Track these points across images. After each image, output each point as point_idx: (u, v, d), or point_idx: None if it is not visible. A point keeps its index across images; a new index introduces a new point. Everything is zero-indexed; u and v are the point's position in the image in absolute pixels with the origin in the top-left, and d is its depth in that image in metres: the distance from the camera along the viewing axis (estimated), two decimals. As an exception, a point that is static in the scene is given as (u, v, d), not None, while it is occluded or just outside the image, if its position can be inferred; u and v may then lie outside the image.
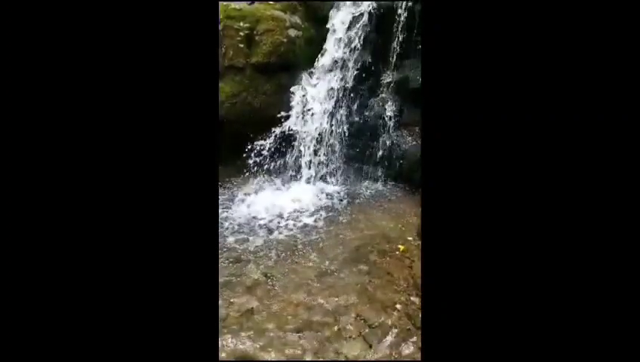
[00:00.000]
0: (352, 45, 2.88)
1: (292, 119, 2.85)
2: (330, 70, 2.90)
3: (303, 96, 2.86)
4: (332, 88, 2.89)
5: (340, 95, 2.92)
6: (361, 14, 2.84)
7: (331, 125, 2.93)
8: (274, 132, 2.83)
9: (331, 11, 2.97)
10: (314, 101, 2.86)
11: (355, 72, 2.92)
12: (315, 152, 2.90)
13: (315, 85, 2.90)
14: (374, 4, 2.82)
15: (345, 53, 2.89)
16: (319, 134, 2.89)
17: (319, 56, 2.94)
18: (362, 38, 2.87)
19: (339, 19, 2.91)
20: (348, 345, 1.62)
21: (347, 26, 2.88)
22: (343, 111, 2.96)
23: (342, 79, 2.91)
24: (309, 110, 2.85)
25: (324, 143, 2.93)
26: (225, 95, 2.85)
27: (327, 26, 2.95)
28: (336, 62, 2.88)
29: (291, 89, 2.88)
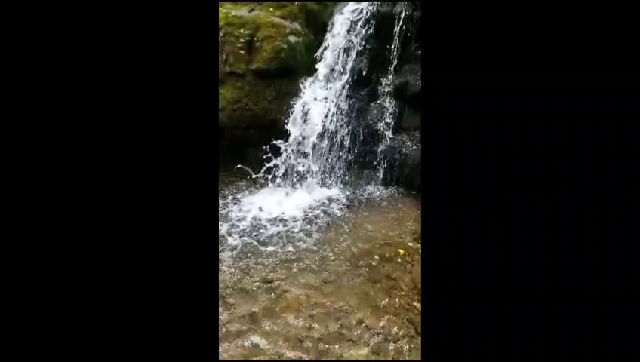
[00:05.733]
0: (352, 51, 2.89)
1: (292, 124, 2.86)
2: (330, 76, 2.91)
3: (303, 101, 2.87)
4: (332, 94, 2.90)
5: (340, 100, 2.93)
6: (360, 21, 2.86)
7: (331, 130, 2.94)
8: (274, 137, 2.84)
9: (331, 18, 2.99)
10: (314, 106, 2.87)
11: (355, 78, 2.93)
12: (316, 157, 2.91)
13: (314, 91, 2.91)
14: (373, 10, 2.84)
15: (344, 59, 2.90)
16: (320, 139, 2.90)
17: (319, 62, 2.96)
18: (361, 44, 2.89)
19: (338, 26, 2.92)
20: (349, 350, 1.62)
21: (346, 32, 2.89)
22: (342, 116, 2.97)
23: (341, 84, 2.92)
24: (309, 115, 2.86)
25: (324, 148, 2.93)
26: (226, 101, 2.86)
27: (327, 32, 2.97)
28: (335, 68, 2.90)
29: (291, 95, 2.89)
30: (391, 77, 2.97)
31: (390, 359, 1.58)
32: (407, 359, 1.58)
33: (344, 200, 2.82)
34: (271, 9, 3.07)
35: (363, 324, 1.74)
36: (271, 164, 2.86)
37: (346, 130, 2.99)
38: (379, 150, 2.99)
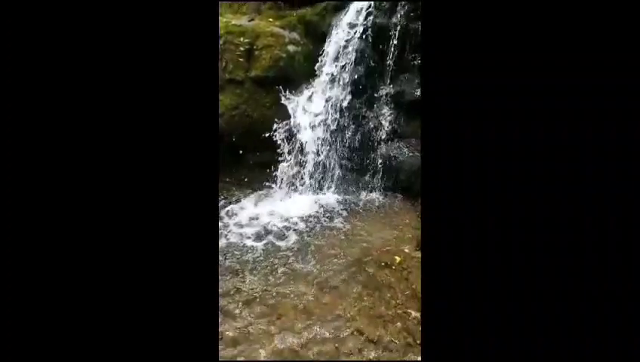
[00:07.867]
0: (349, 60, 2.92)
1: (290, 131, 2.87)
2: (328, 84, 2.93)
3: (302, 108, 2.88)
4: (330, 101, 2.92)
5: (338, 108, 2.95)
6: (358, 32, 2.90)
7: (329, 137, 2.95)
8: (272, 143, 2.85)
9: (329, 28, 3.03)
10: (312, 114, 2.89)
11: (352, 86, 2.96)
12: (313, 164, 2.91)
13: (313, 99, 2.92)
14: (371, 22, 2.88)
15: (342, 68, 2.93)
16: (317, 146, 2.91)
17: (317, 70, 2.98)
18: (359, 53, 2.92)
19: (336, 36, 2.96)
20: (347, 359, 1.60)
21: (344, 42, 2.93)
22: (340, 124, 2.98)
23: (339, 93, 2.94)
24: (307, 122, 2.88)
25: (322, 155, 2.94)
26: (224, 107, 2.88)
27: (325, 42, 3.00)
28: (333, 76, 2.92)
29: (290, 102, 2.91)
30: (387, 86, 3.00)
31: (388, 364, 1.57)
32: (406, 361, 1.57)
33: (341, 207, 2.82)
34: (270, 19, 3.11)
35: (360, 333, 1.72)
36: (268, 170, 2.86)
37: (344, 137, 3.01)
38: (376, 157, 3.00)
